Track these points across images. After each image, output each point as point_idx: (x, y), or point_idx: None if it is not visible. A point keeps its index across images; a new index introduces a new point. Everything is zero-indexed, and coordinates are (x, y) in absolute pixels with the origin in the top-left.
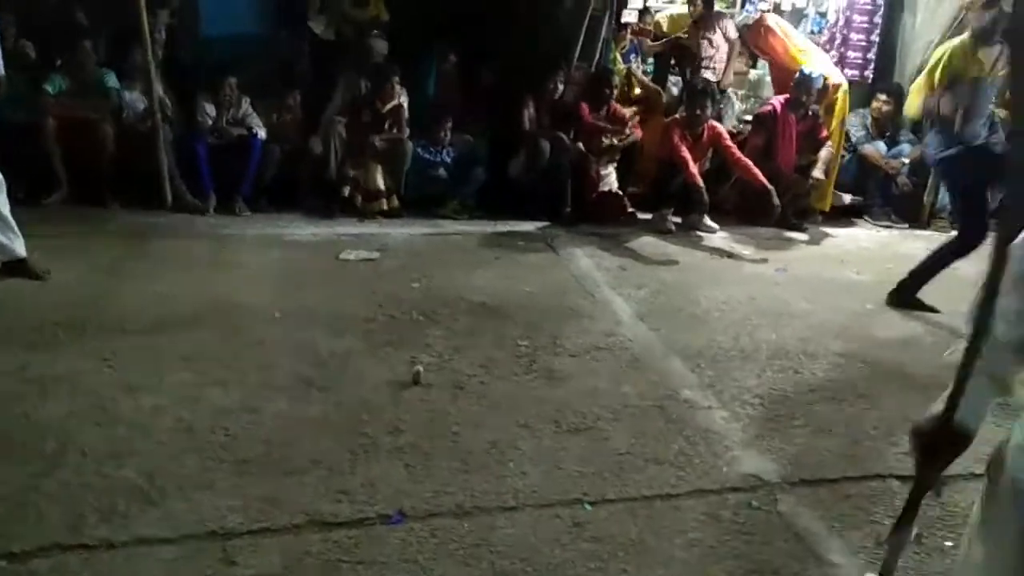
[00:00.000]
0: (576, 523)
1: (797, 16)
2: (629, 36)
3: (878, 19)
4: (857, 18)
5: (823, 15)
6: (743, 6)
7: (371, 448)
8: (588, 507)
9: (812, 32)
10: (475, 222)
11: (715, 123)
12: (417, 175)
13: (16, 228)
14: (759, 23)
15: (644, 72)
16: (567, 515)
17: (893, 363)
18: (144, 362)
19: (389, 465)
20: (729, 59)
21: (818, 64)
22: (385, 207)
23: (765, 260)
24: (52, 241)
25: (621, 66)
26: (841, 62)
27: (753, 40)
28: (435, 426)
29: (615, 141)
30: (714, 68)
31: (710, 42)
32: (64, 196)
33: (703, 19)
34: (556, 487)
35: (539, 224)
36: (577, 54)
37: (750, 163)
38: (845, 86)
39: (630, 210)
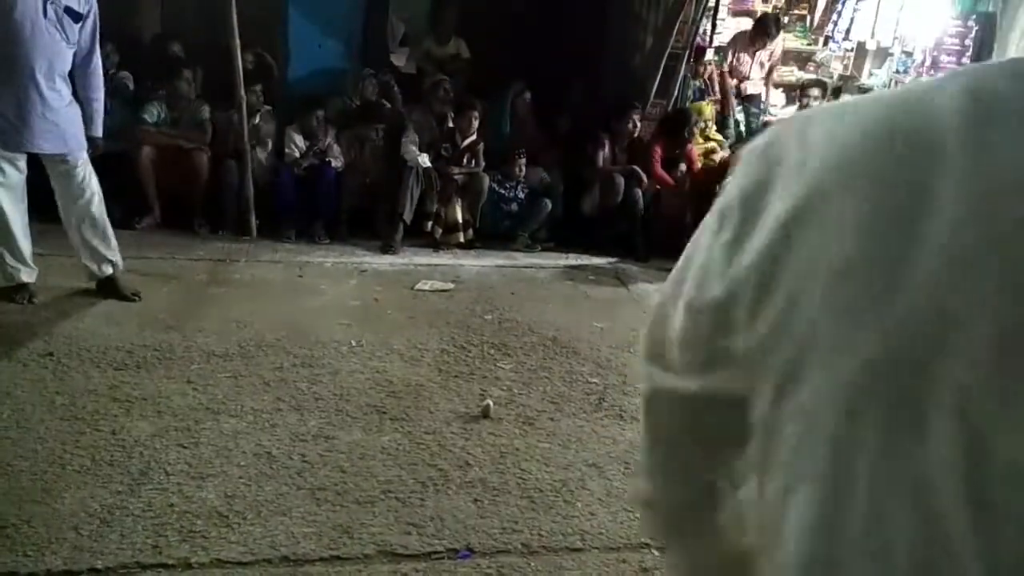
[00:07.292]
0: (643, 568)
1: (882, 56)
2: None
3: (966, 60)
4: (944, 58)
5: (909, 54)
6: (825, 44)
7: (441, 481)
8: (655, 553)
9: (897, 72)
10: (547, 255)
11: None
12: (491, 208)
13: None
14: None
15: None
16: (634, 560)
17: None
18: (227, 386)
19: (458, 499)
20: None
21: None
22: (462, 239)
23: None
24: (143, 264)
25: (706, 104)
26: None
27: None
28: (504, 462)
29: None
30: None
31: None
32: (156, 221)
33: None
34: (624, 530)
35: (611, 259)
36: (654, 92)
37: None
38: None
39: None
